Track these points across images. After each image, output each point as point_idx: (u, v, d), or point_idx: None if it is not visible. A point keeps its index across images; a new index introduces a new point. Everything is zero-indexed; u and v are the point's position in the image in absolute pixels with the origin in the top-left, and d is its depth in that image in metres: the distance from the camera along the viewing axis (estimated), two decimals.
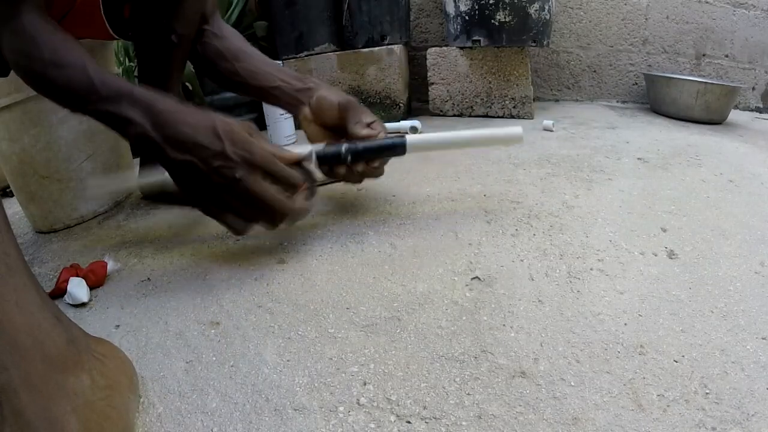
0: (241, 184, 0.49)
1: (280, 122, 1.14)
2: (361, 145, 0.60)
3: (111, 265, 0.59)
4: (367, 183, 0.61)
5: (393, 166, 0.66)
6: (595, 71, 1.50)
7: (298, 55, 1.31)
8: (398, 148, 0.61)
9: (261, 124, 1.20)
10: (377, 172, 0.63)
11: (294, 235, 0.64)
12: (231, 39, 0.72)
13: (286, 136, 1.15)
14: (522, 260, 0.55)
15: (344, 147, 0.59)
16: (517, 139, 0.62)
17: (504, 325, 0.45)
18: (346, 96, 0.64)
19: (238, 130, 0.50)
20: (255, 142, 0.50)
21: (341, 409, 0.37)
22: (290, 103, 0.68)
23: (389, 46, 1.28)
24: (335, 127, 0.65)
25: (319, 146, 0.60)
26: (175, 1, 0.65)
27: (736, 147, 1.00)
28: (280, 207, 0.51)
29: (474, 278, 0.52)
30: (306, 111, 0.66)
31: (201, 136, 0.48)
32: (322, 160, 0.59)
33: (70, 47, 0.48)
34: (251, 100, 1.29)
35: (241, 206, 0.51)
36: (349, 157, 0.59)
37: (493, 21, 1.17)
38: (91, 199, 0.75)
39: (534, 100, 1.29)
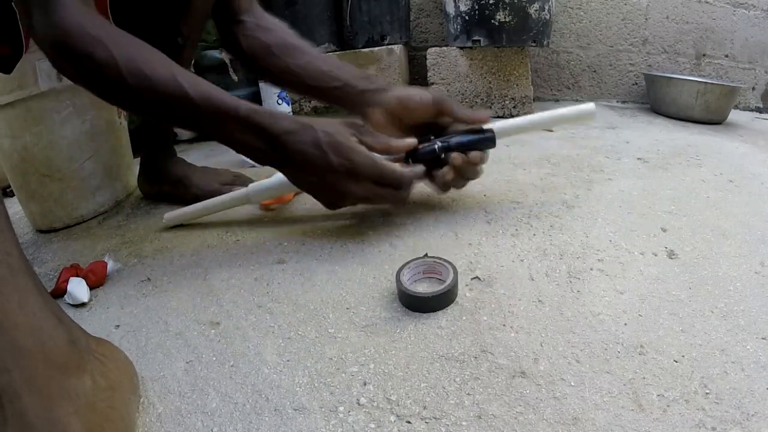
0: (350, 195, 0.55)
1: (274, 103, 1.16)
2: (453, 139, 0.61)
3: (111, 265, 0.59)
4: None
5: None
6: (595, 71, 1.50)
7: None
8: (488, 138, 0.61)
9: (257, 99, 1.21)
10: (476, 170, 0.62)
11: (294, 235, 0.64)
12: (277, 31, 0.69)
13: None
14: (522, 260, 0.55)
15: (437, 144, 0.60)
16: (590, 116, 0.64)
17: (504, 325, 0.45)
18: (434, 90, 0.64)
19: (340, 139, 0.52)
20: (356, 149, 0.53)
21: (341, 409, 0.37)
22: (353, 105, 0.65)
23: (389, 46, 1.28)
24: (423, 126, 0.63)
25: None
26: (182, 2, 0.65)
27: (736, 147, 1.00)
28: (391, 200, 0.58)
29: (474, 278, 0.52)
30: (377, 115, 0.62)
31: (309, 153, 0.52)
32: (417, 159, 0.60)
33: (148, 51, 0.49)
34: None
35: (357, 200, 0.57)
36: (443, 154, 0.60)
37: (493, 21, 1.17)
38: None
39: (534, 100, 1.29)
